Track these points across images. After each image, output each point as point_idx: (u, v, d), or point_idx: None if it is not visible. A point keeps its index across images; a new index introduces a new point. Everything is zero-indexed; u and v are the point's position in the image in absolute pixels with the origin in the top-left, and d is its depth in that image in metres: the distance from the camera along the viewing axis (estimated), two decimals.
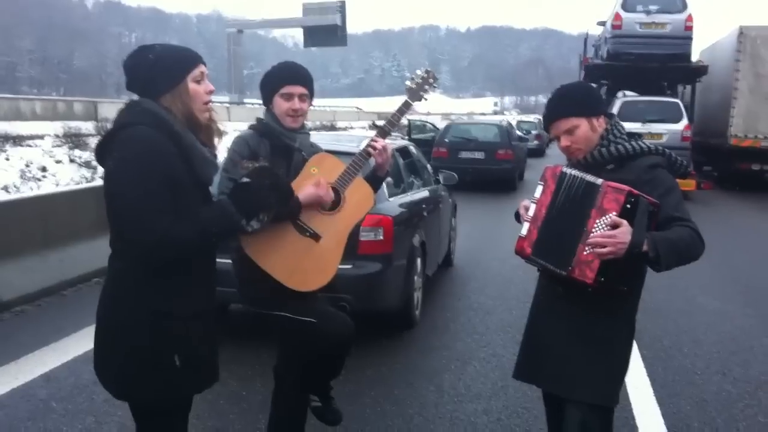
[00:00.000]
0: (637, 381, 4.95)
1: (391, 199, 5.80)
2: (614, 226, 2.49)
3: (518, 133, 23.19)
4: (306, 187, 3.10)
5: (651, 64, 17.28)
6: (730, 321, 6.59)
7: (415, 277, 6.08)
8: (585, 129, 2.76)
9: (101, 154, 2.40)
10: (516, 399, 4.65)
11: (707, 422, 4.41)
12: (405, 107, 3.40)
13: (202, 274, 2.50)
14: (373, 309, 5.48)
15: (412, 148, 7.70)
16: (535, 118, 42.22)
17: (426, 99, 3.46)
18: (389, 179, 6.04)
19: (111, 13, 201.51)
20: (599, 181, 2.60)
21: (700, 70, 17.89)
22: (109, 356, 2.44)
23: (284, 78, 3.27)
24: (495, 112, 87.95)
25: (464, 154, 17.42)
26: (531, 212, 2.81)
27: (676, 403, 4.68)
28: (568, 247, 2.63)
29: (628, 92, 18.88)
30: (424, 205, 6.67)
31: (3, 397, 4.54)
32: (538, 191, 2.81)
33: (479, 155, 17.39)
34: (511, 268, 8.33)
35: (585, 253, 2.57)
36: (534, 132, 32.37)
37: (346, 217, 3.25)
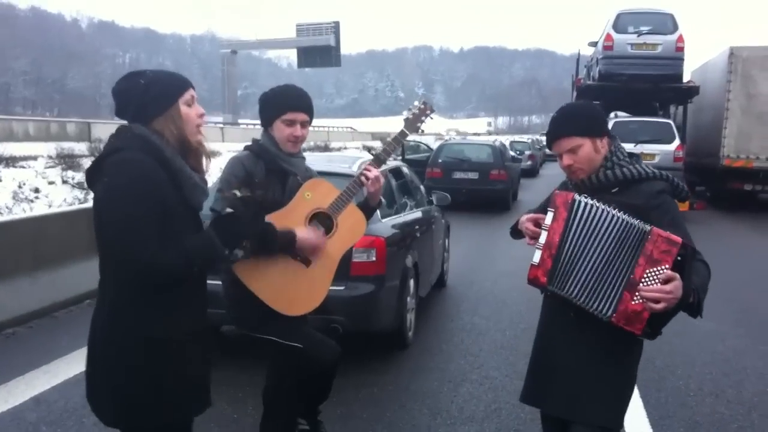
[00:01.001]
0: (631, 402, 4.91)
1: (383, 220, 5.79)
2: (668, 280, 2.45)
3: (512, 153, 23.27)
4: (311, 233, 3.12)
5: (643, 84, 17.39)
6: (722, 342, 6.58)
7: (408, 298, 6.07)
8: (588, 149, 2.74)
9: (91, 178, 2.41)
10: (509, 421, 4.63)
11: None
12: (401, 137, 3.42)
13: (193, 296, 2.49)
14: (366, 330, 5.47)
15: (405, 169, 7.71)
16: (528, 138, 42.40)
17: (423, 131, 3.50)
18: (382, 200, 6.05)
19: (105, 34, 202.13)
20: (648, 227, 2.52)
21: (692, 91, 17.99)
22: (103, 383, 2.42)
23: (289, 105, 3.28)
24: (489, 133, 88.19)
25: (458, 175, 17.46)
26: (542, 239, 2.72)
27: (669, 425, 4.67)
28: (610, 291, 2.57)
29: (620, 113, 18.98)
30: (417, 226, 6.67)
31: None
32: (549, 218, 2.72)
33: (473, 175, 17.43)
34: (504, 289, 8.33)
35: (633, 303, 2.51)
36: (527, 152, 32.48)
37: (337, 243, 3.27)
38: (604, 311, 2.59)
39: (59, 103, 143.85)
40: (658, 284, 2.46)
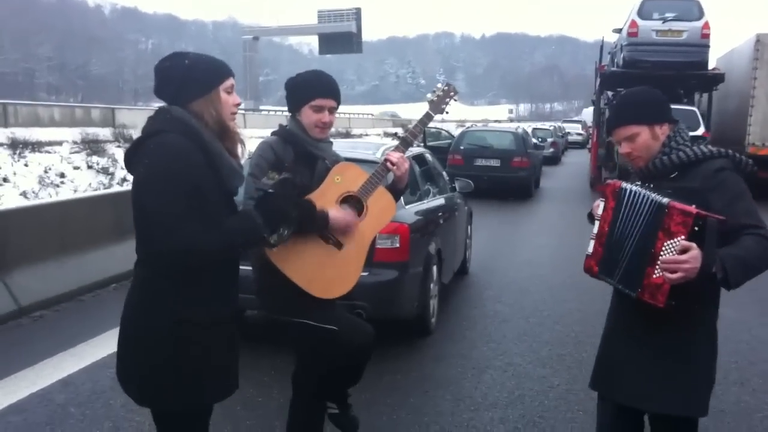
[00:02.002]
0: None
1: (407, 207, 5.80)
2: (684, 250, 2.46)
3: (534, 140, 23.15)
4: (344, 213, 3.14)
5: (667, 72, 17.19)
6: (747, 331, 6.53)
7: (431, 285, 6.08)
8: (646, 137, 2.73)
9: (130, 161, 2.43)
10: (533, 408, 4.64)
11: None
12: (427, 119, 3.42)
13: (225, 281, 2.51)
14: (389, 316, 5.49)
15: (428, 156, 7.71)
16: (550, 125, 42.15)
17: (447, 112, 3.50)
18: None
19: (127, 20, 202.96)
20: (665, 200, 2.54)
21: (717, 78, 17.77)
22: (132, 362, 2.46)
23: (318, 90, 3.27)
24: (510, 120, 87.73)
25: (480, 162, 17.40)
26: (595, 229, 2.78)
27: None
28: (636, 268, 2.61)
29: None
30: (440, 213, 6.67)
31: (22, 402, 4.57)
32: (600, 207, 2.78)
33: (495, 163, 17.37)
34: (527, 276, 8.32)
35: (655, 276, 2.54)
36: (550, 140, 32.30)
37: (368, 225, 3.28)
38: (632, 288, 2.63)
39: (82, 89, 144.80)
40: (675, 255, 2.48)
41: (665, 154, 2.72)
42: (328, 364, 3.33)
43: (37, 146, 18.41)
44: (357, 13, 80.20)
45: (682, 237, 2.48)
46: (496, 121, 67.79)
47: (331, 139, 3.55)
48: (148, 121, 2.45)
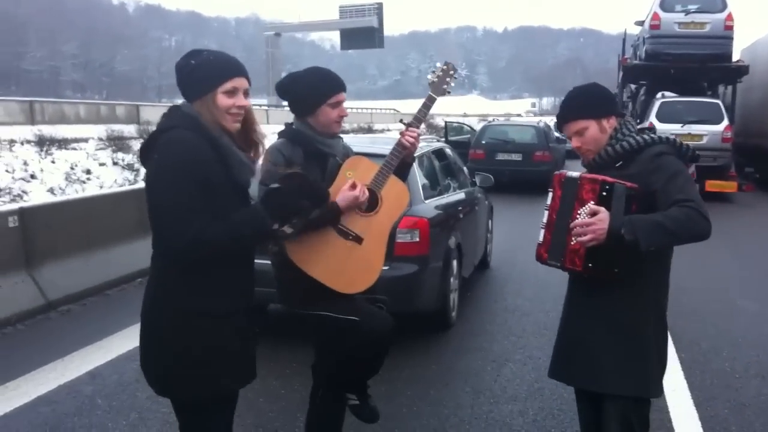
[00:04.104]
0: (675, 384, 4.93)
1: (427, 201, 5.84)
2: (593, 214, 2.62)
3: (556, 134, 23.05)
4: (341, 191, 3.16)
5: (690, 64, 17.03)
6: None
7: (452, 279, 6.11)
8: (594, 130, 2.86)
9: (144, 156, 2.50)
10: (552, 401, 4.67)
11: (745, 426, 4.38)
12: (429, 101, 3.42)
13: (238, 272, 2.56)
14: (410, 310, 5.52)
15: (448, 150, 7.73)
16: None
17: (449, 92, 3.48)
18: (425, 181, 6.09)
19: (151, 17, 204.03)
20: (576, 174, 2.78)
21: (741, 70, 17.53)
22: (150, 353, 2.53)
23: (333, 88, 3.26)
24: (533, 114, 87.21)
25: (501, 156, 17.37)
26: (545, 219, 2.93)
27: (713, 406, 4.66)
28: (561, 240, 2.80)
29: (667, 93, 18.64)
30: (460, 207, 6.70)
31: (50, 393, 4.69)
32: (549, 198, 2.93)
33: (516, 157, 17.33)
34: (547, 270, 8.23)
35: (572, 243, 2.72)
36: None
37: (384, 216, 3.30)
38: (558, 259, 2.82)
39: (107, 86, 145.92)
40: (585, 219, 2.65)
41: (610, 144, 2.86)
42: (348, 355, 3.37)
43: (63, 143, 18.60)
44: (378, 8, 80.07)
45: (592, 202, 2.66)
46: (517, 115, 67.44)
47: (348, 136, 3.56)
48: (161, 117, 2.52)
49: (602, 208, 2.60)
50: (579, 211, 2.70)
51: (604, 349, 2.82)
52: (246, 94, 2.54)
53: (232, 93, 2.48)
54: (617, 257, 2.66)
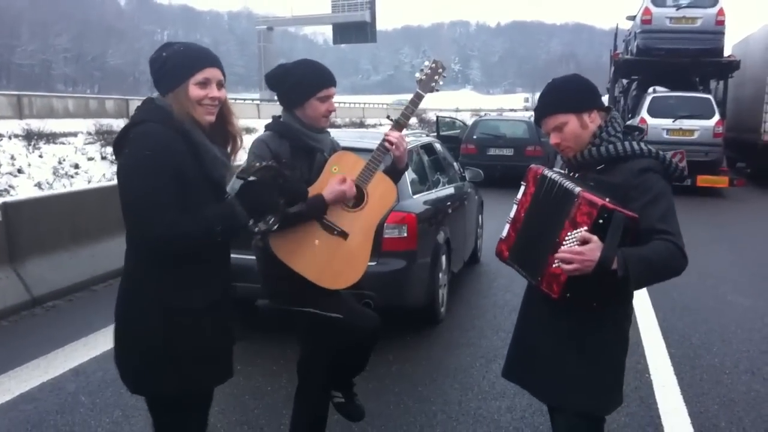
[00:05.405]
0: (664, 380, 4.91)
1: (415, 197, 5.80)
2: (584, 241, 2.37)
3: None
4: (329, 184, 3.12)
5: (682, 59, 17.05)
6: (760, 319, 6.49)
7: (440, 274, 6.07)
8: (574, 126, 2.62)
9: (117, 150, 2.45)
10: None
11: (735, 422, 4.35)
12: (417, 99, 3.38)
13: (214, 267, 2.51)
14: (398, 306, 5.49)
15: (437, 145, 7.68)
16: None
17: (437, 90, 3.44)
18: (414, 176, 6.04)
19: (143, 11, 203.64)
20: (576, 189, 2.46)
21: (733, 65, 17.55)
22: (125, 351, 2.49)
23: (323, 81, 3.21)
24: (526, 109, 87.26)
25: (493, 151, 17.34)
26: (512, 214, 2.72)
27: (703, 402, 4.63)
28: (540, 256, 2.54)
29: (658, 88, 18.65)
30: (449, 202, 6.66)
31: (33, 390, 4.63)
32: (520, 192, 2.71)
33: (508, 152, 17.30)
34: None
35: (554, 266, 2.46)
36: None
37: (371, 212, 3.26)
38: (533, 276, 2.58)
39: (99, 80, 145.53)
40: (574, 245, 2.40)
41: (594, 145, 2.61)
42: (333, 352, 3.34)
43: (51, 137, 18.55)
44: (371, 2, 79.97)
45: (585, 228, 2.40)
46: (510, 110, 67.41)
47: (338, 130, 3.53)
48: (135, 110, 2.48)
49: (595, 238, 2.34)
50: (569, 234, 2.44)
51: (559, 362, 2.65)
52: (220, 85, 2.48)
53: (204, 84, 2.42)
54: (599, 290, 2.45)
